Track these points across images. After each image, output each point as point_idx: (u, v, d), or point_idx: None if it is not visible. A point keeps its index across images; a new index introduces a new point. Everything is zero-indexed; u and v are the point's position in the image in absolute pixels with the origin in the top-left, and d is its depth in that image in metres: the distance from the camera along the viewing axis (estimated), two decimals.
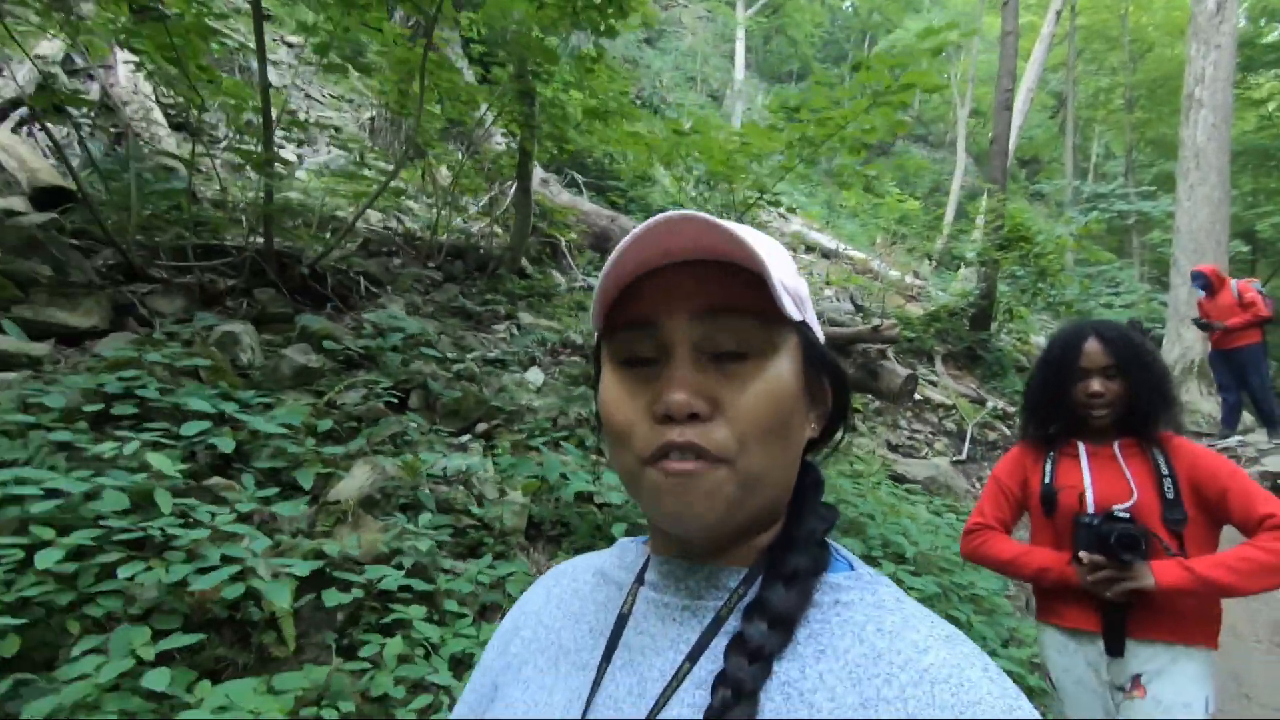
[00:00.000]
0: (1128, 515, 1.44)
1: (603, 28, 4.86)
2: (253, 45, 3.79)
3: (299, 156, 7.95)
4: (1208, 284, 6.22)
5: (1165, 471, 1.47)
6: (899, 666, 0.40)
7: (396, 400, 3.05)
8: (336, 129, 7.44)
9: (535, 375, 4.13)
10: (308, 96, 9.46)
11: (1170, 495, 1.46)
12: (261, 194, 4.48)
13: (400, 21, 6.82)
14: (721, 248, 0.44)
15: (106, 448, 1.84)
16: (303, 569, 1.74)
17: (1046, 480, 1.58)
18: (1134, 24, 22.98)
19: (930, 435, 6.76)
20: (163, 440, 1.99)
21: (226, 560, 1.68)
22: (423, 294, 5.16)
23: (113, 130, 6.43)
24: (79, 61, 7.16)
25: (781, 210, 4.34)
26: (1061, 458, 1.60)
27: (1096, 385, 1.53)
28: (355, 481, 2.38)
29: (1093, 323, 1.62)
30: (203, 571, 1.63)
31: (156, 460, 1.86)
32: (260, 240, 3.99)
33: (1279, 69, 17.64)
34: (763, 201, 3.89)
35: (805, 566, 0.46)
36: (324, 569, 1.89)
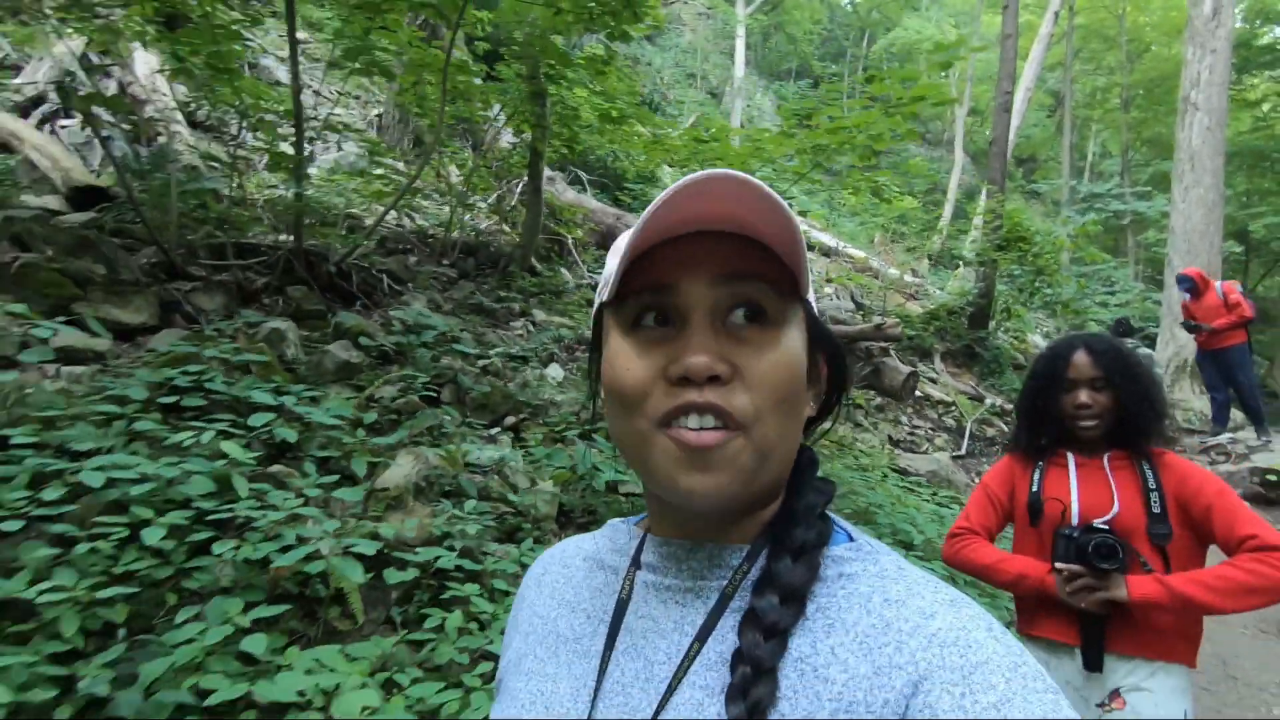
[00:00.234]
0: (1107, 527, 1.45)
1: (616, 32, 4.99)
2: (262, 45, 3.89)
3: (311, 154, 8.06)
4: (1193, 286, 6.41)
5: (1152, 485, 1.47)
6: (908, 634, 0.41)
7: (430, 395, 3.20)
8: (346, 126, 7.55)
9: (555, 371, 4.28)
10: (316, 93, 9.54)
11: (1156, 510, 1.46)
12: (289, 193, 4.62)
13: (409, 21, 6.93)
14: (740, 216, 0.44)
15: (184, 436, 1.99)
16: (369, 549, 1.89)
17: (1034, 489, 1.59)
18: (1131, 24, 23.17)
19: (930, 431, 6.94)
20: (231, 430, 2.14)
21: (301, 540, 1.83)
22: (440, 291, 5.30)
23: (127, 129, 6.53)
24: (94, 59, 7.26)
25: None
26: (1050, 468, 1.60)
27: (1084, 397, 1.53)
28: (401, 470, 2.54)
29: (1084, 336, 1.64)
30: (283, 551, 1.78)
31: (230, 448, 2.01)
32: (286, 238, 4.12)
33: (1274, 70, 17.85)
34: None
35: (811, 540, 0.46)
36: (381, 550, 2.04)
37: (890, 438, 6.35)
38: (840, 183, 4.11)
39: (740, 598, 0.46)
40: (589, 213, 8.87)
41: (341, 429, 2.46)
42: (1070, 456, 1.59)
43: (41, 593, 1.43)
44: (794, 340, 0.46)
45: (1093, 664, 1.46)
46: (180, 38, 3.75)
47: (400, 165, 7.71)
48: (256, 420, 2.18)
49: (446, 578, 2.08)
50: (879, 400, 6.82)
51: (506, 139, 8.38)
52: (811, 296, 0.51)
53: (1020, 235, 8.40)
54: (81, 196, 4.15)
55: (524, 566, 2.31)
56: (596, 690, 0.47)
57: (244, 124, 6.47)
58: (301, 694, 1.44)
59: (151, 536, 1.62)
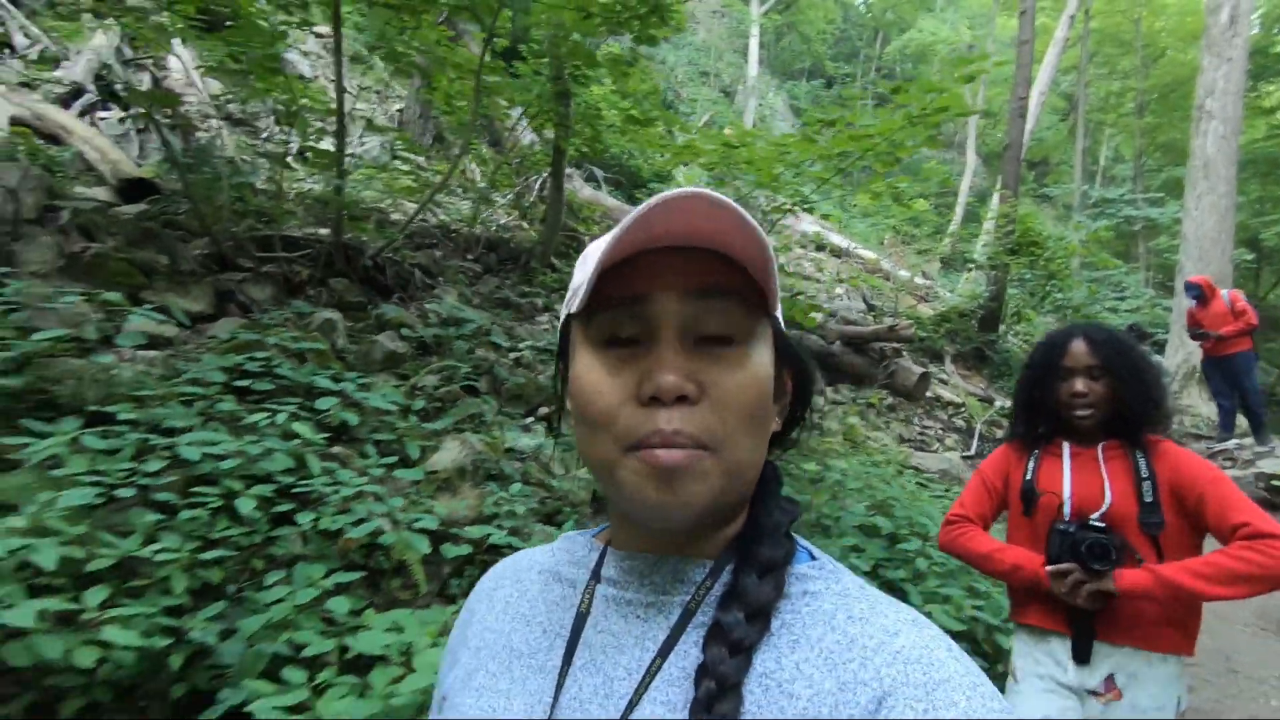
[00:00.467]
0: (1103, 525, 1.44)
1: (643, 36, 5.13)
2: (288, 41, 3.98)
3: (353, 153, 8.23)
4: (1200, 294, 6.52)
5: (1145, 475, 1.46)
6: (872, 650, 0.42)
7: (469, 385, 3.35)
8: (380, 127, 7.71)
9: None
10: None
11: (1149, 499, 1.44)
12: (322, 188, 4.78)
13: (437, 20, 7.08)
14: (712, 233, 0.44)
15: (260, 417, 2.15)
16: (431, 523, 2.05)
17: (1028, 477, 1.58)
18: (1147, 29, 23.09)
19: (940, 431, 7.06)
20: (299, 412, 2.30)
21: (371, 515, 1.99)
22: (468, 285, 5.45)
23: (170, 123, 6.69)
24: (128, 52, 7.43)
25: (800, 210, 4.63)
26: (1045, 457, 1.59)
27: (1080, 385, 1.53)
28: (449, 454, 2.69)
29: (1082, 325, 1.64)
30: (355, 524, 1.94)
31: (301, 429, 2.17)
32: (321, 231, 4.28)
33: None
34: (795, 207, 4.18)
35: (779, 557, 0.46)
36: (437, 526, 2.20)
37: (901, 437, 6.48)
38: (861, 188, 4.23)
39: (704, 613, 0.46)
40: (606, 210, 9.04)
41: (394, 414, 2.62)
42: (1066, 446, 1.58)
43: (155, 553, 1.59)
44: (762, 357, 0.46)
45: (1082, 656, 1.46)
46: (227, 37, 3.90)
47: (422, 160, 7.87)
48: (324, 404, 2.34)
49: (497, 553, 2.24)
50: (891, 400, 6.95)
51: (525, 136, 8.53)
52: (779, 312, 0.51)
53: (1032, 240, 8.50)
54: (129, 188, 4.31)
55: None
56: (553, 706, 0.46)
57: (276, 119, 6.62)
58: (386, 648, 1.60)
59: (244, 506, 1.78)
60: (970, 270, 10.19)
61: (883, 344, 6.67)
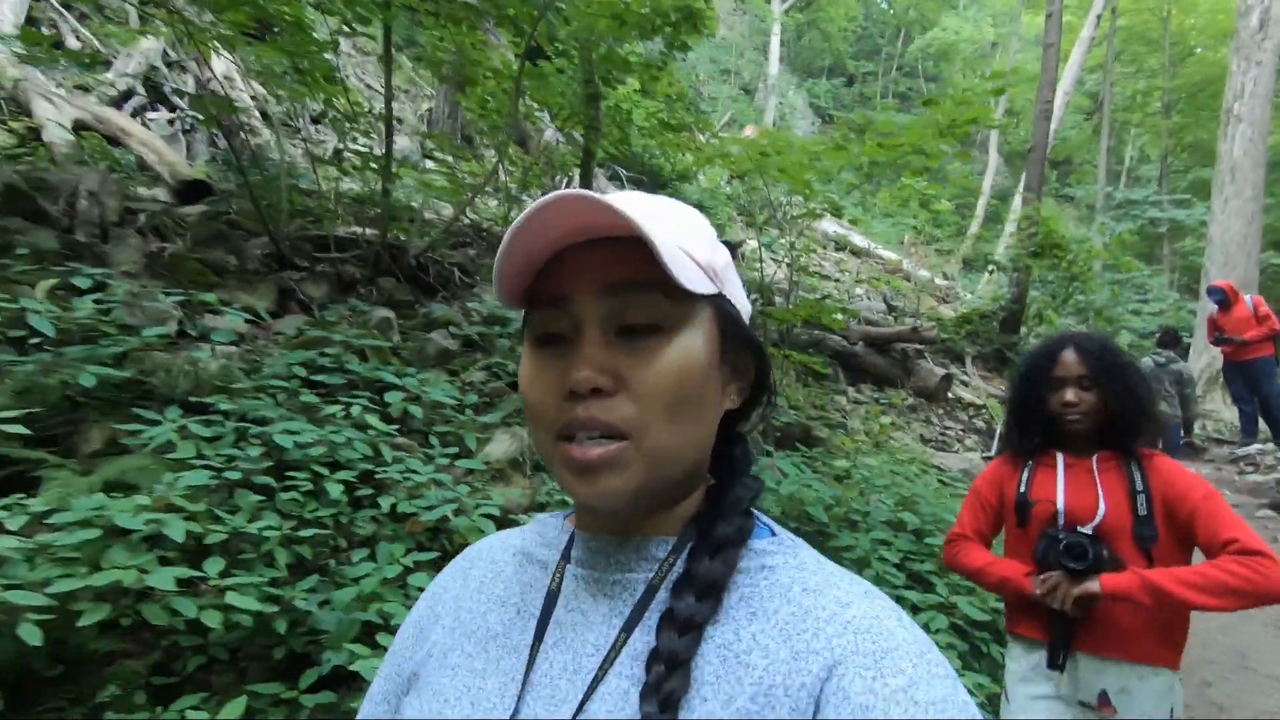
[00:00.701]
0: (1090, 532, 1.44)
1: (676, 42, 5.27)
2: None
3: (368, 148, 8.45)
4: (1224, 298, 6.54)
5: (1140, 488, 1.46)
6: (824, 620, 0.43)
7: (514, 381, 3.53)
8: (397, 119, 7.91)
9: None
10: (368, 87, 9.93)
11: (1143, 512, 1.45)
12: (363, 188, 4.97)
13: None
14: (611, 224, 0.44)
15: (336, 409, 2.33)
16: (493, 509, 2.22)
17: (1021, 490, 1.58)
18: (1176, 27, 22.75)
19: (961, 432, 7.15)
20: (370, 405, 2.48)
21: (441, 502, 2.17)
22: None
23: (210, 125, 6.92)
24: (172, 54, 7.68)
25: (830, 213, 4.75)
26: (1039, 468, 1.59)
27: (1071, 395, 1.53)
28: (500, 446, 2.87)
29: (1073, 334, 1.64)
30: (428, 509, 2.11)
31: (373, 420, 2.35)
32: (364, 231, 4.48)
33: None
34: (825, 211, 4.30)
35: (730, 535, 0.48)
36: (498, 513, 2.37)
37: (922, 437, 6.58)
38: (884, 189, 4.34)
39: (666, 589, 0.47)
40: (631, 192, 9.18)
41: (451, 408, 2.79)
42: (1060, 457, 1.57)
43: (261, 530, 1.78)
44: (690, 342, 0.46)
45: (1056, 662, 1.47)
46: (283, 44, 4.10)
47: (449, 159, 8.05)
48: (393, 397, 2.52)
49: None
50: (911, 400, 7.05)
51: (549, 134, 8.70)
52: (731, 289, 0.51)
53: (1055, 243, 8.52)
54: (185, 189, 4.53)
55: None
56: (524, 682, 0.47)
57: (314, 119, 6.81)
58: None
59: (333, 490, 1.96)
60: (992, 272, 10.21)
61: (905, 345, 6.77)
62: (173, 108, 6.87)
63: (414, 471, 2.25)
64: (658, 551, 0.49)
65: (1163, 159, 22.53)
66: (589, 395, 0.44)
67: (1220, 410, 8.92)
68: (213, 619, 1.54)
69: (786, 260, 5.57)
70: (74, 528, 1.56)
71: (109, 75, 6.66)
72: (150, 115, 6.64)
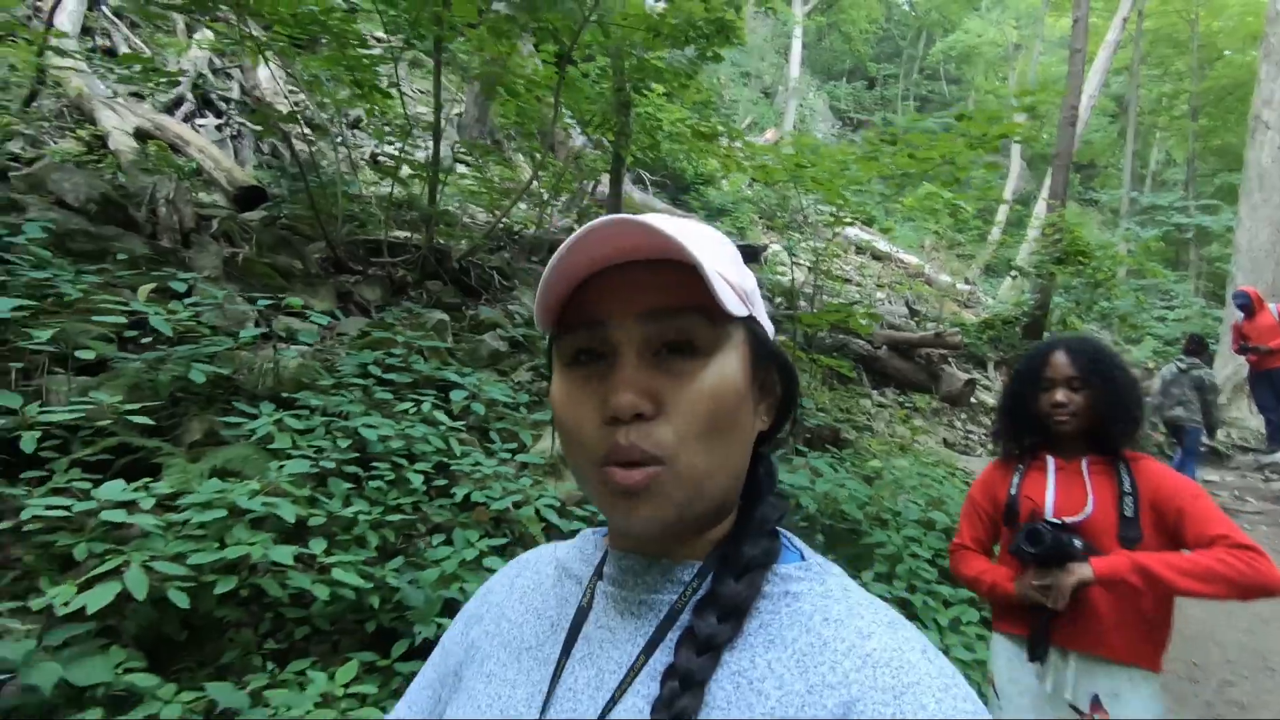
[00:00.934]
0: (1060, 521, 1.48)
1: (708, 53, 5.43)
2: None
3: (406, 152, 8.69)
4: (1248, 302, 6.54)
5: (1128, 490, 1.49)
6: (843, 653, 0.42)
7: None
8: (428, 123, 8.11)
9: None
10: (399, 91, 10.15)
11: (1129, 514, 1.48)
12: (403, 193, 5.18)
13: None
14: (660, 248, 0.44)
15: (408, 406, 2.51)
16: (553, 500, 2.39)
17: (1012, 492, 1.61)
18: (1204, 29, 22.48)
19: (984, 436, 7.22)
20: (436, 402, 2.66)
21: (506, 492, 2.34)
22: (535, 286, 5.82)
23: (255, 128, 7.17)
24: (217, 62, 7.97)
25: (862, 223, 4.87)
26: (1030, 471, 1.62)
27: (1060, 396, 1.56)
28: (550, 442, 3.04)
29: (1065, 337, 1.68)
30: (498, 499, 2.29)
31: (441, 416, 2.53)
32: (407, 235, 4.68)
33: None
34: (855, 220, 4.43)
35: (756, 558, 0.48)
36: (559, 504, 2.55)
37: (946, 440, 6.67)
38: (915, 199, 4.47)
39: (688, 613, 0.47)
40: (655, 213, 9.36)
41: (506, 406, 2.97)
42: (1050, 460, 1.61)
43: (355, 514, 1.96)
44: (727, 365, 0.47)
45: (1038, 654, 1.51)
46: (334, 57, 4.30)
47: (494, 166, 8.26)
48: (457, 395, 2.71)
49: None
50: (935, 404, 7.14)
51: (578, 141, 8.89)
52: (759, 311, 0.52)
53: (1080, 249, 8.56)
54: (243, 194, 4.76)
55: None
56: (549, 695, 0.48)
57: (352, 125, 7.02)
58: None
59: (415, 480, 2.14)
60: (1016, 277, 10.25)
61: (929, 350, 6.86)
62: (218, 113, 7.14)
63: (479, 464, 2.42)
64: (684, 575, 0.49)
65: (1189, 163, 22.26)
66: (631, 421, 0.44)
67: (1246, 418, 8.89)
68: (322, 592, 1.72)
69: (809, 265, 5.70)
70: (197, 508, 1.75)
71: (164, 82, 6.92)
72: (199, 122, 6.91)
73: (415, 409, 2.53)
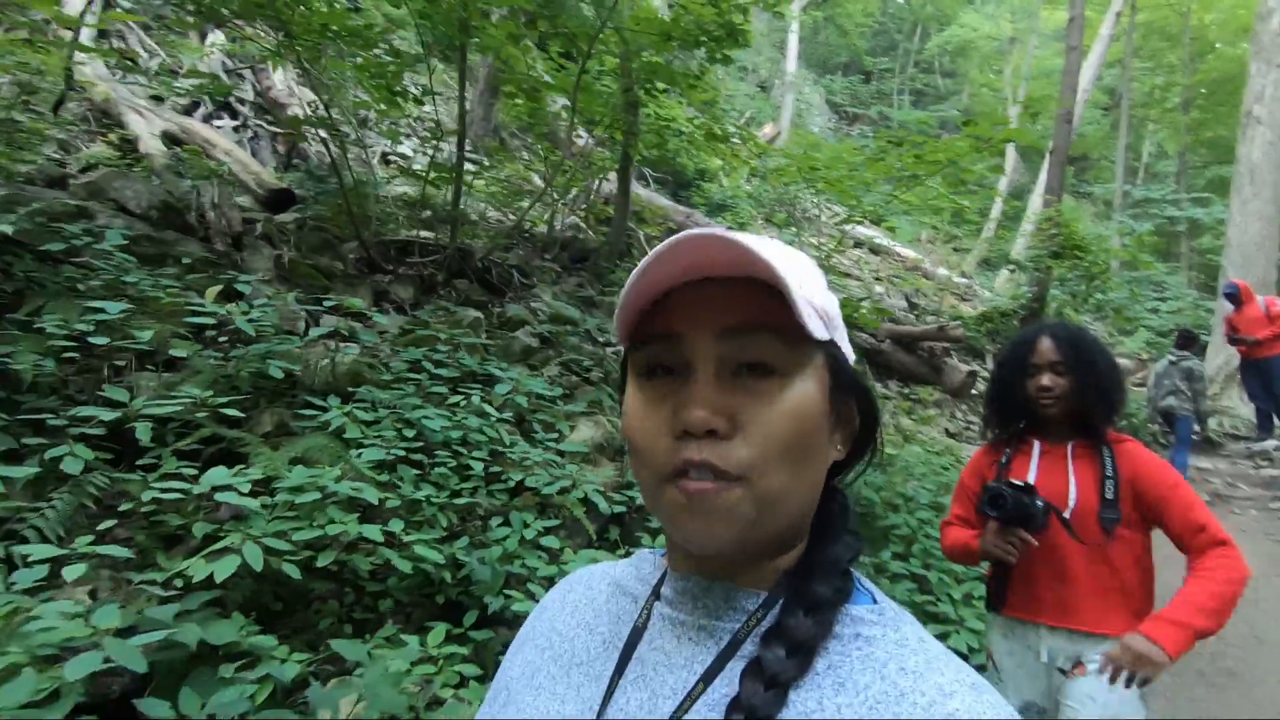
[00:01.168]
0: (1022, 484, 1.55)
1: (718, 55, 5.60)
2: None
3: (423, 152, 8.83)
4: (1236, 293, 6.79)
5: (1109, 473, 1.56)
6: (922, 709, 0.41)
7: (584, 375, 3.89)
8: (434, 121, 8.24)
9: None
10: (433, 97, 10.28)
11: (1110, 496, 1.54)
12: (414, 192, 5.34)
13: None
14: (746, 265, 0.44)
15: (459, 399, 2.69)
16: (596, 486, 2.58)
17: (998, 475, 1.66)
18: (1196, 22, 22.70)
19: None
20: (484, 395, 2.85)
21: (554, 479, 2.53)
22: (552, 284, 5.99)
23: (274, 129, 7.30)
24: (229, 64, 8.07)
25: (871, 222, 5.06)
26: (1016, 454, 1.68)
27: (1045, 380, 1.61)
28: (585, 433, 3.23)
29: (1049, 323, 1.73)
30: (547, 484, 2.47)
31: (489, 409, 2.71)
32: (429, 235, 4.85)
33: None
34: (865, 219, 4.61)
35: (827, 596, 0.46)
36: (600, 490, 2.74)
37: (947, 430, 6.89)
38: (915, 196, 4.64)
39: (751, 643, 0.46)
40: (661, 210, 9.53)
41: (544, 398, 3.16)
42: (1037, 444, 1.66)
43: (426, 497, 2.14)
44: (805, 389, 0.46)
45: (993, 604, 1.65)
46: (367, 65, 4.46)
47: (484, 159, 8.40)
48: (501, 389, 2.89)
49: (644, 513, 2.77)
50: (937, 396, 7.35)
51: (584, 140, 9.05)
52: (840, 336, 0.51)
53: (1076, 244, 8.76)
54: (272, 197, 4.90)
55: None
56: (600, 714, 0.48)
57: (364, 124, 7.17)
58: None
59: (476, 467, 2.32)
60: (1013, 271, 10.46)
61: (931, 343, 7.08)
62: (234, 115, 7.26)
63: (528, 454, 2.61)
64: (747, 603, 0.48)
65: (1181, 155, 22.52)
66: (703, 437, 0.44)
67: (1238, 407, 9.14)
68: (405, 566, 1.91)
69: (815, 261, 5.84)
70: (288, 491, 1.93)
71: (181, 85, 7.03)
72: (217, 124, 7.03)
73: (465, 402, 2.71)
